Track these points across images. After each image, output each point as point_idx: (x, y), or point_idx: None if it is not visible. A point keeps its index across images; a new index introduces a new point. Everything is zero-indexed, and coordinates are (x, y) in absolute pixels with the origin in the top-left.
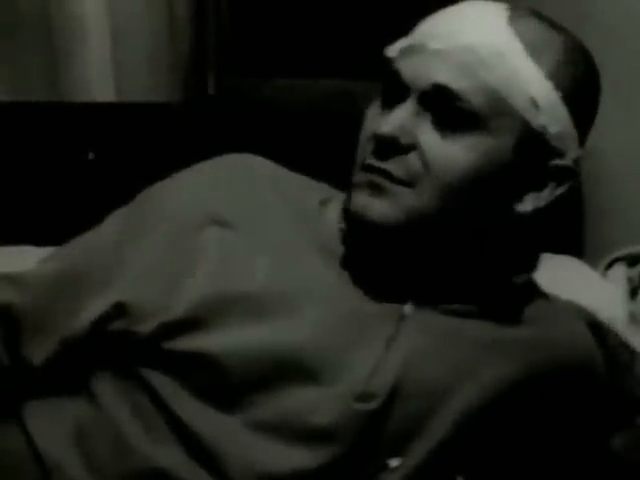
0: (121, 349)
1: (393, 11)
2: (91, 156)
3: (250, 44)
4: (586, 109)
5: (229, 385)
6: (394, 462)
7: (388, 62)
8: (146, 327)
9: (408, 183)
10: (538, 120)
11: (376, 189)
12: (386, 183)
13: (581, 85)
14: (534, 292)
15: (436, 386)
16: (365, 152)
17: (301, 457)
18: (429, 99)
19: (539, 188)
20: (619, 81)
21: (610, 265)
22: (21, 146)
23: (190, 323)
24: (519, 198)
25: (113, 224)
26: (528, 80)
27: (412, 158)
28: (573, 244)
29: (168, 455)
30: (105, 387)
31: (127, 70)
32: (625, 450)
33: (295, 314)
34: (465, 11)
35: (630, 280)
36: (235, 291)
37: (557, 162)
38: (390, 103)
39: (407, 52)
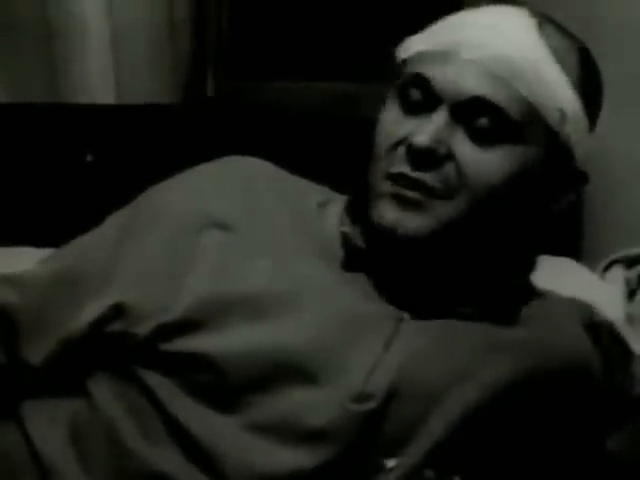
0: (119, 350)
1: (393, 14)
2: (90, 158)
3: (249, 46)
4: (597, 116)
5: (227, 386)
6: (391, 463)
7: (405, 64)
8: (144, 328)
9: (443, 195)
10: (565, 130)
11: (408, 203)
12: (419, 197)
13: (596, 92)
14: (532, 294)
15: (433, 387)
16: (390, 160)
17: (299, 458)
18: (463, 110)
19: (560, 193)
20: (616, 84)
21: (608, 267)
22: (20, 147)
23: (189, 324)
24: (542, 204)
25: (112, 225)
26: (557, 90)
27: (448, 169)
28: (571, 246)
29: (165, 457)
30: (102, 388)
31: (127, 72)
32: (622, 450)
33: (293, 316)
34: (494, 18)
35: (628, 282)
36: (234, 293)
37: (576, 167)
38: (414, 109)
39: (437, 59)
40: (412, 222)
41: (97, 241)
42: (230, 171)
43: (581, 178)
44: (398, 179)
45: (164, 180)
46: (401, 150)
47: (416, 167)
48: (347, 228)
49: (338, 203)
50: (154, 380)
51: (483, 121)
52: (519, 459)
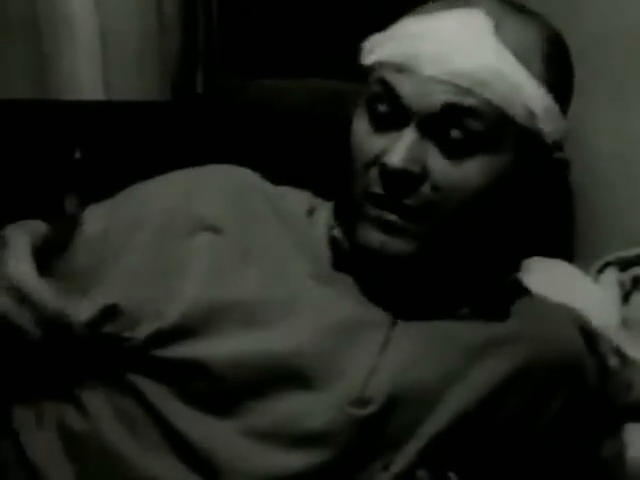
0: (111, 355)
1: (381, 12)
2: (78, 155)
3: (239, 44)
4: (569, 94)
5: (223, 392)
6: (390, 465)
7: (372, 69)
8: (139, 333)
9: (421, 214)
10: (535, 126)
11: (389, 226)
12: (398, 220)
13: (564, 75)
14: (522, 292)
15: (430, 389)
16: (367, 179)
17: (296, 462)
18: (433, 123)
19: (541, 185)
20: (614, 83)
21: (601, 269)
22: (9, 144)
23: (183, 331)
24: (524, 199)
25: (97, 221)
26: (523, 89)
27: (423, 188)
28: (563, 247)
29: (160, 463)
30: (93, 395)
31: (116, 69)
32: (615, 457)
33: (288, 321)
34: (450, 26)
35: (622, 285)
36: (228, 298)
37: (554, 155)
38: (384, 124)
39: (399, 70)
40: (395, 245)
41: (84, 239)
42: (220, 177)
43: (560, 165)
44: (375, 200)
45: (153, 177)
46: (374, 171)
47: (392, 189)
48: (337, 232)
49: (325, 209)
50: (147, 386)
51: (454, 133)
52: (514, 458)
